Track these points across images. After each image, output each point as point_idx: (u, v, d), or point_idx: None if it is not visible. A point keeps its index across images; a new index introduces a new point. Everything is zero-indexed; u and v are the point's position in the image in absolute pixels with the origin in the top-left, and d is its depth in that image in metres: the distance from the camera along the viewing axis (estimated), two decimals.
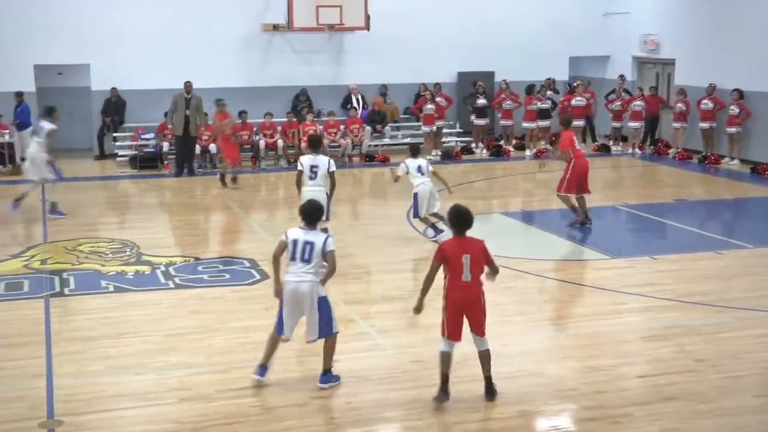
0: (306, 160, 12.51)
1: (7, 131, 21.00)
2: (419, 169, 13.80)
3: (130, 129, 22.36)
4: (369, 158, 22.72)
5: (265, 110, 22.07)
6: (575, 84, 24.22)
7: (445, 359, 7.79)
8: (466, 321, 7.77)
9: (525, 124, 23.82)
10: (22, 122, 20.92)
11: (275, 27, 23.09)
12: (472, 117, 23.97)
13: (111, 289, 11.47)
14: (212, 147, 21.33)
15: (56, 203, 15.93)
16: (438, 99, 23.22)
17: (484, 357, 7.89)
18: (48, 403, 7.87)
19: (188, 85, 20.51)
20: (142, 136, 21.70)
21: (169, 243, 14.35)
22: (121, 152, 22.07)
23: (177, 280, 11.88)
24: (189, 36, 22.31)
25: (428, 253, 13.24)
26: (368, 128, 23.12)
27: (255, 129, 22.08)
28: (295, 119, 22.08)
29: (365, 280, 12.28)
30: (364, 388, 8.20)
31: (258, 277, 11.92)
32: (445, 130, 24.21)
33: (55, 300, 10.99)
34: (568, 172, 14.67)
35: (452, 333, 7.74)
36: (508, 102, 23.78)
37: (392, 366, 8.77)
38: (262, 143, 21.85)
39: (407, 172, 13.82)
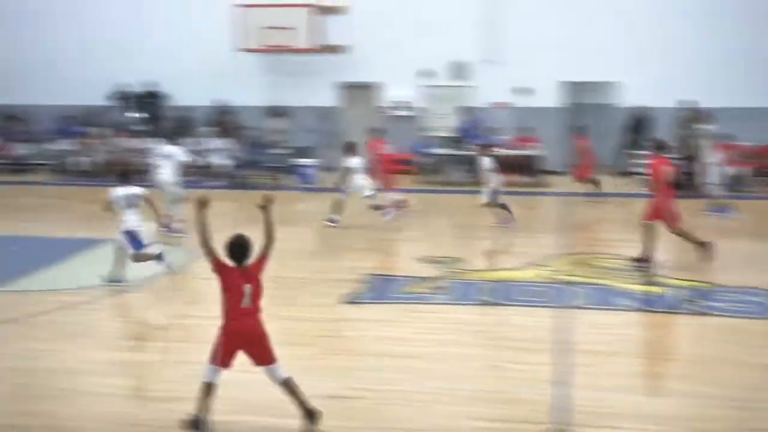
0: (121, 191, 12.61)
1: (536, 143, 21.78)
2: None
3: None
4: None
5: None
6: None
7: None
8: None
9: None
10: (468, 135, 21.74)
11: None
12: None
13: (622, 306, 11.26)
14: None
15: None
16: None
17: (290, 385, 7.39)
18: (552, 410, 7.80)
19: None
20: None
21: (684, 266, 13.56)
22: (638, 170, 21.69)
23: (691, 305, 11.24)
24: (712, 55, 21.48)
25: None
26: None
27: None
28: None
29: None
30: None
31: None
32: None
33: (566, 311, 11.00)
34: None
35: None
36: None
37: None
38: None
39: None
